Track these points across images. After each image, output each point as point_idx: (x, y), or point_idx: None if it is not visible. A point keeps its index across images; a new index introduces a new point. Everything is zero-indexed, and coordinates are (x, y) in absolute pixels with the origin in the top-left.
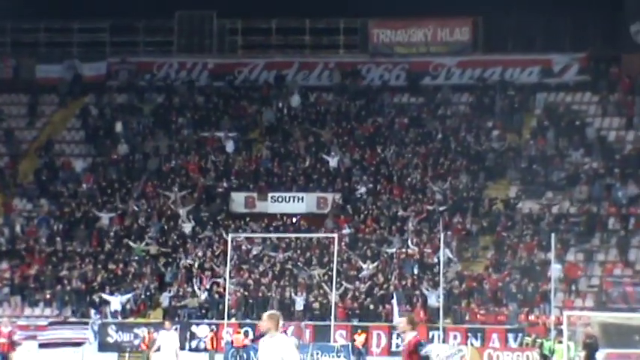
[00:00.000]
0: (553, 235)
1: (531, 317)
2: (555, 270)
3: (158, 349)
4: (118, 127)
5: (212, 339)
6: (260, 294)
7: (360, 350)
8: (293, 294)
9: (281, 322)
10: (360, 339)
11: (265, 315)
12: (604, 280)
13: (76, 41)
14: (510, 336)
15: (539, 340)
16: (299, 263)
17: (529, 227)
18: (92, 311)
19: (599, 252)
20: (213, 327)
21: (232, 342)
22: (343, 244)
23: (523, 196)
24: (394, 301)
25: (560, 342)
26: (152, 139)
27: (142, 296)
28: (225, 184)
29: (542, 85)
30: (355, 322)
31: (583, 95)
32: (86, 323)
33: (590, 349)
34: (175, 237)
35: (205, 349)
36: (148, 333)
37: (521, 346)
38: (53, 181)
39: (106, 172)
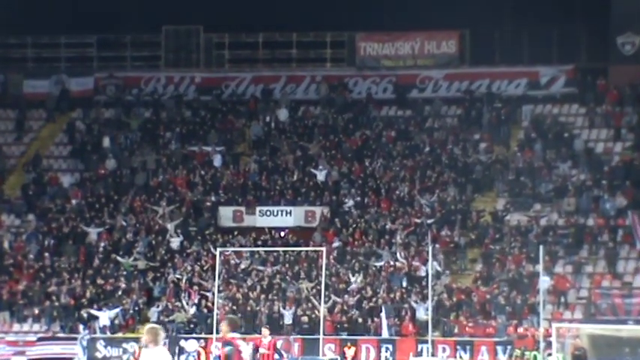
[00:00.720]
0: (541, 247)
1: (520, 330)
2: (544, 282)
3: None
4: (106, 142)
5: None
6: (248, 308)
7: None
8: (281, 308)
9: (162, 335)
10: (350, 352)
11: (145, 328)
12: (593, 292)
13: (63, 56)
14: (499, 348)
15: (528, 353)
16: (287, 277)
17: (517, 239)
18: (81, 327)
19: (587, 264)
20: (202, 342)
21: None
22: (331, 257)
23: (511, 209)
24: (383, 315)
25: (550, 354)
26: (140, 154)
27: (131, 311)
28: (213, 199)
29: (530, 97)
30: (344, 336)
31: (570, 107)
32: (75, 339)
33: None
34: (163, 252)
35: None
36: (139, 348)
37: (511, 358)
38: (41, 196)
39: (93, 187)
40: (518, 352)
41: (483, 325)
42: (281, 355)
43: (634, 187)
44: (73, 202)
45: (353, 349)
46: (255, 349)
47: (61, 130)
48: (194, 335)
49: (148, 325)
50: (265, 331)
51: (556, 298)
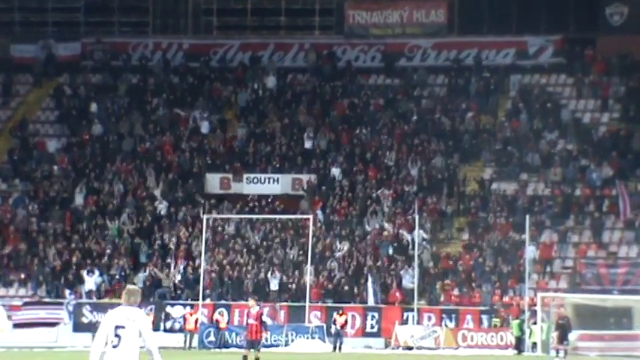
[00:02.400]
0: (527, 216)
1: (505, 298)
2: (529, 251)
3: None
4: (93, 107)
5: (196, 320)
6: (235, 274)
7: (339, 331)
8: (268, 275)
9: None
10: (340, 320)
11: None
12: (578, 262)
13: (50, 21)
14: (484, 317)
15: (514, 321)
16: (274, 244)
17: (503, 208)
18: (67, 291)
19: (573, 233)
20: (188, 307)
21: (218, 322)
22: (318, 225)
23: (498, 178)
24: (369, 282)
25: (534, 323)
26: (127, 120)
27: (117, 276)
28: (200, 165)
29: (517, 67)
30: (330, 303)
31: (558, 77)
32: (61, 304)
33: (563, 330)
34: (150, 217)
35: (180, 330)
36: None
37: (496, 327)
38: (27, 161)
39: (80, 153)
40: (497, 321)
41: (469, 293)
42: (266, 328)
43: (620, 157)
44: (60, 167)
45: (344, 317)
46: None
47: (48, 95)
48: (180, 301)
49: (129, 286)
50: (252, 301)
51: (541, 268)
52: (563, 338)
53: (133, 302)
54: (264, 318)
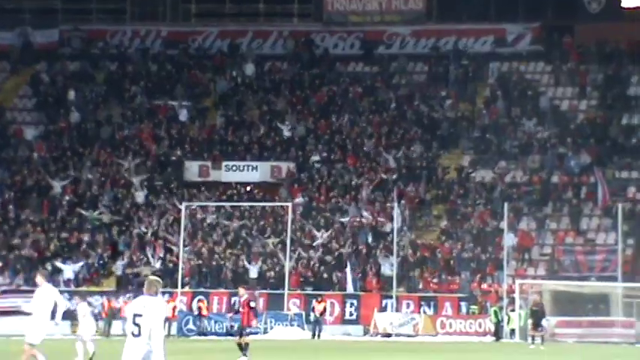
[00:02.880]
0: (506, 203)
1: (484, 286)
2: (508, 238)
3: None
4: (71, 95)
5: (174, 308)
6: (214, 263)
7: (318, 319)
8: (247, 262)
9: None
10: (319, 307)
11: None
12: (556, 249)
13: (27, 8)
14: (463, 304)
15: (493, 308)
16: (253, 232)
17: (482, 196)
18: None
19: (551, 221)
20: (167, 295)
21: (200, 310)
22: (297, 212)
23: (476, 165)
24: (348, 270)
25: (513, 310)
26: (105, 108)
27: (95, 265)
28: (178, 153)
29: (496, 55)
30: (309, 291)
31: (536, 65)
32: None
33: (537, 316)
34: (129, 205)
35: None
36: (108, 301)
37: (474, 314)
38: (4, 148)
39: (58, 140)
40: (475, 308)
41: (447, 281)
42: (255, 314)
43: (598, 144)
44: (37, 154)
45: (323, 304)
46: (237, 310)
47: (25, 83)
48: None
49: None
50: (241, 290)
51: (520, 255)
52: (537, 324)
53: (154, 292)
54: (252, 304)
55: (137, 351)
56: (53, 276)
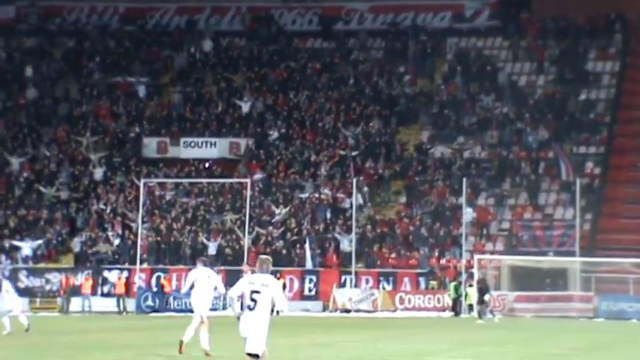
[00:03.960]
0: (464, 179)
1: (442, 261)
2: (466, 214)
3: (192, 287)
4: (28, 71)
5: (125, 284)
6: (172, 239)
7: None
8: (205, 239)
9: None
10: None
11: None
12: (514, 224)
13: None
14: (421, 280)
15: (451, 284)
16: (211, 208)
17: (440, 172)
18: (2, 257)
19: (509, 196)
20: (125, 272)
21: (163, 287)
22: (256, 189)
23: (435, 141)
24: (307, 246)
25: (471, 285)
26: (62, 84)
27: (54, 242)
28: (137, 130)
29: (454, 30)
30: None
31: (494, 40)
32: None
33: (480, 292)
34: (87, 182)
35: (116, 294)
36: (66, 278)
37: (433, 290)
38: None
39: (15, 117)
40: (434, 283)
41: (406, 256)
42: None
43: (556, 120)
44: None
45: (282, 280)
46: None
47: None
48: (117, 266)
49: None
50: (246, 267)
51: (478, 230)
52: (480, 299)
53: (265, 270)
54: None
55: (253, 323)
56: (11, 252)
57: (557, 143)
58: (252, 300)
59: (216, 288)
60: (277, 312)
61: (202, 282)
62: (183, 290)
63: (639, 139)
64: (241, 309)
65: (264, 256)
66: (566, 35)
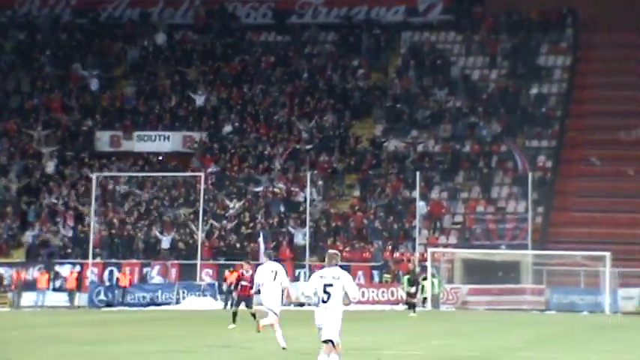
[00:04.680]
0: (418, 173)
1: (396, 254)
2: (420, 207)
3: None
4: None
5: (77, 278)
6: (125, 233)
7: (230, 289)
8: (159, 233)
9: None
10: (231, 277)
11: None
12: (467, 217)
13: None
14: (375, 273)
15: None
16: (165, 202)
17: (394, 166)
18: None
19: (462, 190)
20: (77, 266)
21: (118, 280)
22: (210, 182)
23: (389, 135)
24: (261, 240)
25: (425, 278)
26: (13, 77)
27: (5, 235)
28: (89, 123)
29: (408, 24)
30: (222, 261)
31: (447, 34)
32: None
33: (409, 283)
34: (39, 176)
35: (68, 289)
36: (17, 273)
37: (387, 283)
38: None
39: None
40: (388, 276)
41: (360, 249)
42: (252, 286)
43: (509, 113)
44: None
45: (235, 274)
46: (237, 281)
47: None
48: (70, 260)
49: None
50: (247, 265)
51: (432, 224)
52: (409, 292)
53: (335, 263)
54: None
55: (328, 314)
56: None
57: (510, 137)
58: (326, 293)
59: (282, 282)
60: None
61: (270, 277)
62: (254, 289)
63: (590, 133)
64: (317, 303)
65: (332, 251)
66: (518, 30)
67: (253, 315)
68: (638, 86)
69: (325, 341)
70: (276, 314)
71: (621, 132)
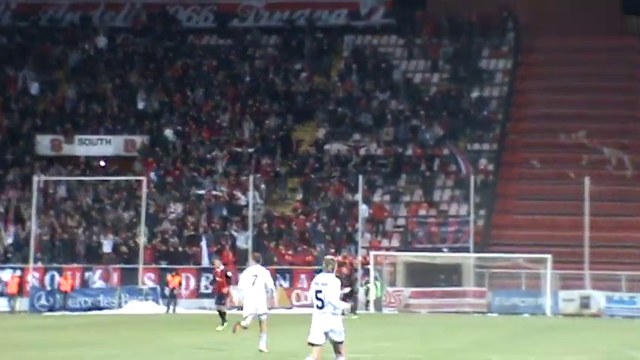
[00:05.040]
0: (360, 176)
1: (339, 258)
2: (362, 211)
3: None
4: None
5: (18, 283)
6: (67, 237)
7: (173, 293)
8: (100, 237)
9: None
10: (174, 281)
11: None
12: (410, 221)
13: None
14: None
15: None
16: (107, 206)
17: (337, 169)
18: None
19: (405, 193)
20: (18, 271)
21: (60, 285)
22: (152, 186)
23: (331, 138)
24: (203, 244)
25: (367, 282)
26: None
27: None
28: (29, 126)
29: (350, 28)
30: (164, 265)
31: (389, 38)
32: None
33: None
34: None
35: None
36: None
37: None
38: None
39: None
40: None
41: (303, 253)
42: (229, 282)
43: (450, 117)
44: None
45: (177, 278)
46: (213, 279)
47: None
48: (10, 265)
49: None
50: (217, 262)
51: (374, 227)
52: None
53: (330, 270)
54: (229, 274)
55: (323, 321)
56: None
57: (452, 140)
58: (318, 299)
59: (266, 285)
60: (342, 312)
61: (250, 282)
62: (240, 290)
63: (531, 136)
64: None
65: (328, 257)
66: (459, 33)
67: (220, 313)
68: (578, 90)
69: (333, 343)
70: (261, 316)
71: (561, 135)
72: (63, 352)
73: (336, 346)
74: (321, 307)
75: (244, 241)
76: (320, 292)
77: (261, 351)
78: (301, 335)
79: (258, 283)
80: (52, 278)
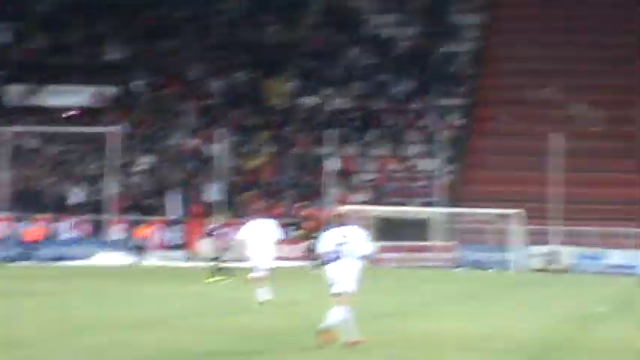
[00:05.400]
0: (330, 130)
1: (306, 211)
2: (331, 164)
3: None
4: None
5: None
6: (36, 188)
7: (141, 244)
8: (69, 188)
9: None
10: (142, 233)
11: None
12: (379, 175)
13: None
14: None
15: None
16: (76, 157)
17: (306, 122)
18: None
19: (374, 147)
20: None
21: (27, 235)
22: (121, 138)
23: (301, 92)
24: (171, 195)
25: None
26: None
27: None
28: None
29: None
30: (132, 217)
31: None
32: None
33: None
34: None
35: None
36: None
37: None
38: None
39: None
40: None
41: (272, 206)
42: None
43: (420, 71)
44: None
45: (148, 230)
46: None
47: None
48: None
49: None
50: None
51: (343, 181)
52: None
53: (340, 223)
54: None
55: (343, 269)
56: None
57: (422, 95)
58: (338, 251)
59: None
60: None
61: (257, 235)
62: (240, 241)
63: (503, 92)
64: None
65: (338, 210)
66: None
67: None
68: (550, 44)
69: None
70: (262, 270)
71: (532, 90)
72: (26, 301)
73: (344, 296)
74: (339, 259)
75: (213, 193)
76: (342, 244)
77: (260, 304)
78: (278, 288)
79: (265, 236)
80: (19, 229)
